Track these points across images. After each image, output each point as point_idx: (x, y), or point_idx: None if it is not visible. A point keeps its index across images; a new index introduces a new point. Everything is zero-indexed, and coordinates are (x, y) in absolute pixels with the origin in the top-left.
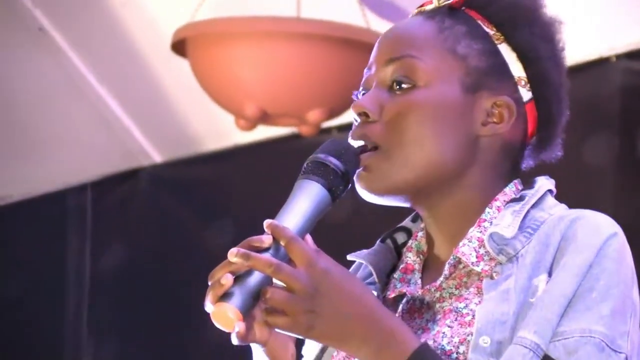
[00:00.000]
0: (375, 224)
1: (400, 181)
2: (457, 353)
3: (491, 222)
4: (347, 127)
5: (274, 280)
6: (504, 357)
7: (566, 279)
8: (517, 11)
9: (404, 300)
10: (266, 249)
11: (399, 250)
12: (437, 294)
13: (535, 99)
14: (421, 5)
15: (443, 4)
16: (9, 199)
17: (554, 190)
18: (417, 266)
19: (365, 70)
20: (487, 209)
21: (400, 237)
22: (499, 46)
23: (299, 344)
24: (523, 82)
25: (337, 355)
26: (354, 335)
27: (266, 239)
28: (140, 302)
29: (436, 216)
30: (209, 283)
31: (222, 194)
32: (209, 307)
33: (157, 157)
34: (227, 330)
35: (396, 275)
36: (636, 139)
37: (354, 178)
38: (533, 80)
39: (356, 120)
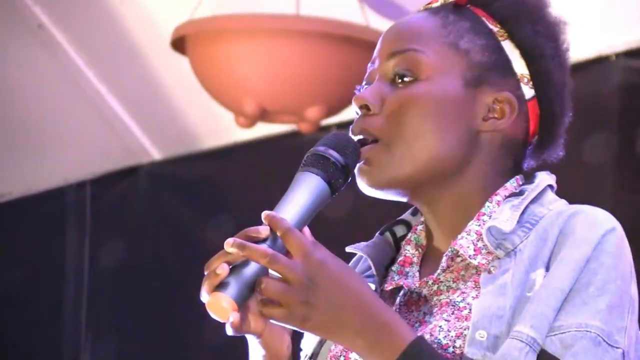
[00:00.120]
0: (375, 218)
1: (400, 175)
2: (454, 347)
3: (490, 216)
4: (346, 125)
5: (271, 272)
6: (500, 351)
7: (563, 274)
8: (522, 9)
9: (401, 292)
10: (263, 240)
11: (397, 244)
12: (435, 287)
13: (537, 97)
14: (428, 4)
15: (449, 1)
16: (8, 196)
17: (555, 185)
18: (415, 259)
19: (368, 65)
20: (487, 203)
21: (399, 230)
22: (502, 43)
23: (298, 337)
24: (526, 80)
25: (335, 348)
26: (349, 327)
27: (263, 230)
28: (140, 299)
29: (436, 210)
30: (205, 273)
31: (221, 191)
32: (204, 296)
33: (157, 155)
34: (221, 320)
35: (394, 267)
36: (635, 137)
37: (355, 171)
38: (536, 78)
39: (358, 114)
